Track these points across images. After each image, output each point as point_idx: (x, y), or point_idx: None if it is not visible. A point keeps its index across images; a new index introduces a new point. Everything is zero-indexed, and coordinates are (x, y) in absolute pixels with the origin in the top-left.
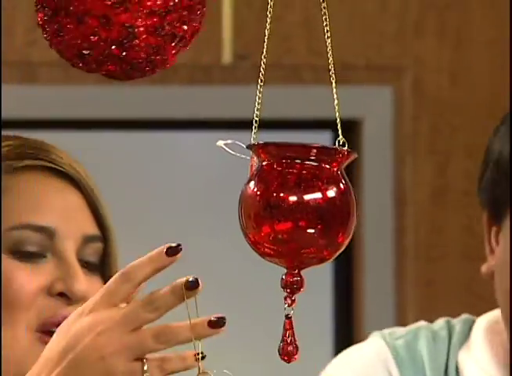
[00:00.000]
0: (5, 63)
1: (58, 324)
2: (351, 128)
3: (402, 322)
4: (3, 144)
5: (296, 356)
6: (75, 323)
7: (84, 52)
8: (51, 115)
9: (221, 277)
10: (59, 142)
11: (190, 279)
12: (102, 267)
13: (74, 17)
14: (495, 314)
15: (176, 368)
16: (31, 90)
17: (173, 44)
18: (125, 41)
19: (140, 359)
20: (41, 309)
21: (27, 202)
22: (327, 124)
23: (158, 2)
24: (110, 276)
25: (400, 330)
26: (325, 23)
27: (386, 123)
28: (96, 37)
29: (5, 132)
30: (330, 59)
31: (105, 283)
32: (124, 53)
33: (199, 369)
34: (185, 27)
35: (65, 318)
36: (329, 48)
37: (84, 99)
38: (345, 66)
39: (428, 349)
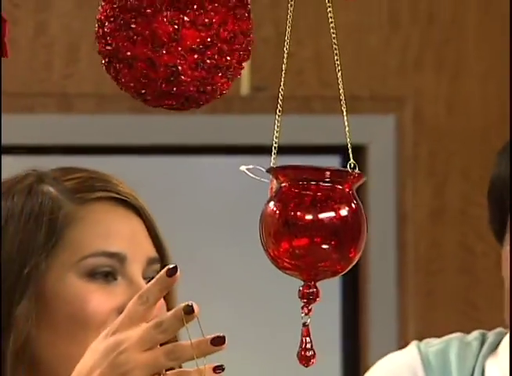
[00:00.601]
0: (44, 94)
1: None
2: (358, 153)
3: (403, 328)
4: (70, 177)
5: (313, 361)
6: (102, 343)
7: (141, 91)
8: (84, 142)
9: (244, 289)
10: (92, 166)
11: (189, 304)
12: None
13: (126, 63)
14: None
15: None
16: (67, 119)
17: (220, 74)
18: (172, 78)
19: (158, 374)
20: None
21: (98, 231)
22: (336, 150)
23: (197, 40)
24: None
25: (436, 340)
26: (336, 58)
27: (389, 148)
28: (146, 80)
29: (50, 158)
30: (341, 90)
31: (165, 300)
32: (174, 89)
33: None
34: (229, 58)
35: None
36: (340, 80)
37: (113, 127)
38: (352, 97)
39: (457, 356)
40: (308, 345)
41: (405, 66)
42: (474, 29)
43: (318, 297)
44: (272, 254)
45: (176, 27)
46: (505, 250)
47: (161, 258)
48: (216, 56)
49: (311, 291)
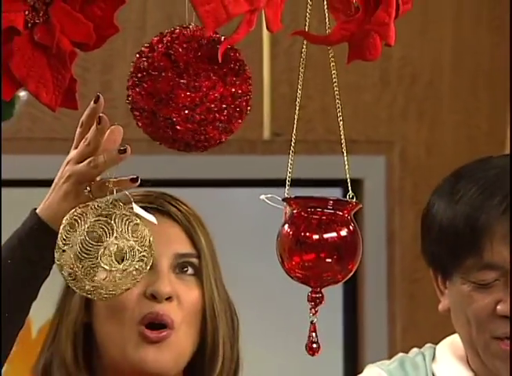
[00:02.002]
0: None
1: (151, 319)
2: (355, 186)
3: (392, 325)
4: (135, 193)
5: (319, 352)
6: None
7: (150, 135)
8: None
9: (264, 294)
10: None
11: (99, 117)
12: (199, 273)
13: (140, 112)
14: (447, 339)
15: (109, 188)
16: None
17: (210, 127)
18: (170, 127)
19: (87, 182)
20: (141, 309)
21: None
22: (337, 183)
23: (188, 99)
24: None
25: (388, 361)
26: (338, 110)
27: (380, 182)
28: (153, 127)
29: None
30: (342, 136)
31: (201, 284)
32: (173, 136)
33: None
34: (217, 115)
35: (155, 313)
36: (341, 128)
37: (161, 165)
38: (351, 141)
39: (412, 367)
40: (315, 339)
41: (393, 117)
42: (448, 88)
43: (323, 300)
44: (286, 266)
45: (172, 87)
46: (452, 282)
47: (198, 253)
48: (205, 113)
49: (317, 295)
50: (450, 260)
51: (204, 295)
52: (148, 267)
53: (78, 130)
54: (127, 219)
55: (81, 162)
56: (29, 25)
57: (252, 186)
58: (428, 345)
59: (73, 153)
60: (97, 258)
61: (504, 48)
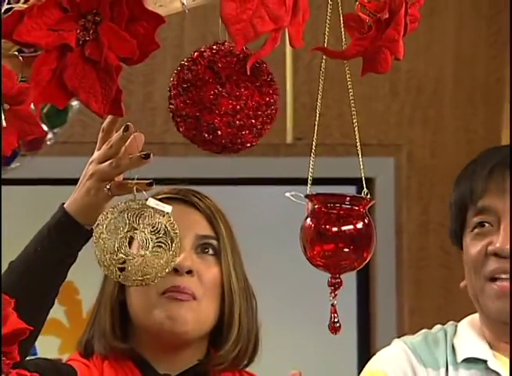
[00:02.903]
0: (149, 143)
1: (174, 291)
2: (367, 184)
3: (400, 307)
4: (163, 188)
5: (340, 331)
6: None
7: (191, 138)
8: (175, 176)
9: (290, 281)
10: None
11: (127, 125)
12: (219, 254)
13: (182, 118)
14: (469, 317)
15: (127, 188)
16: (165, 161)
17: (247, 132)
18: (211, 132)
19: (107, 181)
20: (162, 282)
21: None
22: (352, 181)
23: (230, 107)
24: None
25: (413, 336)
26: (353, 117)
27: (390, 181)
28: (195, 131)
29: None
30: (357, 139)
31: (220, 263)
32: (213, 140)
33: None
34: (253, 121)
35: (177, 286)
36: (356, 133)
37: (197, 166)
38: (364, 144)
39: (433, 341)
40: (336, 319)
41: (401, 123)
42: (449, 98)
43: (341, 285)
44: (308, 255)
45: (216, 96)
46: (465, 241)
47: (217, 236)
48: (244, 119)
49: (336, 281)
50: (460, 225)
51: (223, 273)
52: (171, 252)
53: (100, 134)
54: (139, 212)
55: (103, 162)
56: (80, 42)
57: (277, 184)
58: (451, 322)
59: (96, 154)
60: (115, 250)
61: (498, 63)
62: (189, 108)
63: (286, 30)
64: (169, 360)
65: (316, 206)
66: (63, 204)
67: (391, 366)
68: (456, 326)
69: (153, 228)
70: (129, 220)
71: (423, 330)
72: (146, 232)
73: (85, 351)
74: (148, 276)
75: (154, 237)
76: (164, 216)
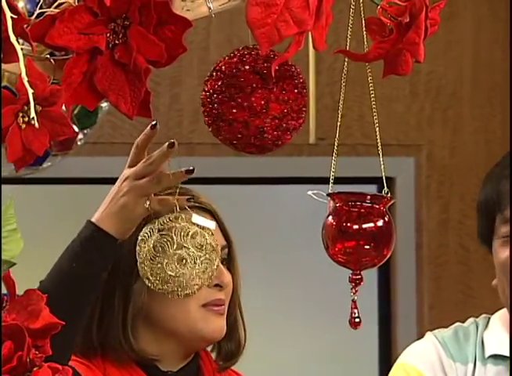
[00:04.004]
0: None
1: (216, 304)
2: (388, 183)
3: (420, 302)
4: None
5: (360, 325)
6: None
7: (234, 142)
8: (202, 175)
9: (313, 277)
10: (207, 193)
11: (171, 141)
12: (229, 262)
13: (227, 123)
14: (504, 310)
15: (169, 202)
16: (191, 160)
17: (288, 133)
18: (259, 136)
19: (147, 196)
20: (205, 295)
21: None
22: (373, 180)
23: (278, 111)
24: (234, 268)
25: (444, 329)
26: (374, 118)
27: (410, 180)
28: (241, 135)
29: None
30: (378, 140)
31: (231, 271)
32: (258, 143)
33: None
34: (295, 123)
35: (221, 299)
36: (377, 133)
37: (223, 165)
38: (385, 144)
39: (464, 335)
40: (356, 315)
41: (421, 123)
42: (468, 99)
43: (362, 281)
44: (330, 252)
45: (266, 100)
46: (494, 246)
47: (229, 244)
48: (289, 122)
49: (357, 277)
50: (488, 229)
51: (234, 281)
52: (215, 266)
53: (134, 150)
54: (186, 230)
55: (142, 178)
56: (110, 46)
57: (300, 183)
58: (484, 315)
59: (130, 170)
60: (164, 268)
61: None
62: (238, 113)
63: (310, 33)
64: (177, 359)
65: (338, 204)
66: (89, 221)
67: (420, 360)
68: (489, 319)
69: (200, 245)
70: (177, 238)
71: (456, 324)
72: (194, 250)
73: (87, 352)
74: (193, 290)
75: (202, 254)
76: (208, 232)
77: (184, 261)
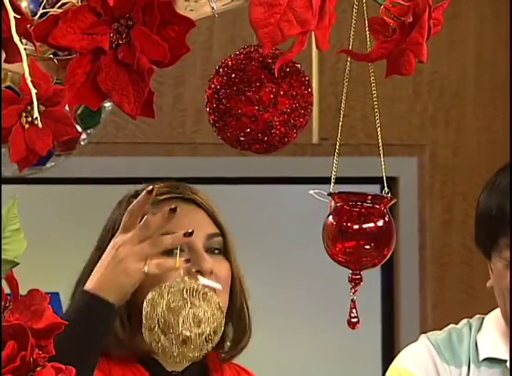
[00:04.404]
0: (179, 144)
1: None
2: (392, 183)
3: (423, 302)
4: (158, 187)
5: (358, 325)
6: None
7: (241, 138)
8: (205, 175)
9: (312, 276)
10: (209, 193)
11: (172, 207)
12: (225, 251)
13: (235, 117)
14: (497, 310)
15: (167, 265)
16: (194, 160)
17: (294, 130)
18: (267, 131)
19: (144, 261)
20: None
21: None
22: (376, 180)
23: (287, 105)
24: (230, 256)
25: (438, 332)
26: (376, 118)
27: (413, 180)
28: (249, 130)
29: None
30: (380, 140)
31: (228, 259)
32: (265, 138)
33: (178, 265)
34: (302, 120)
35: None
36: (379, 133)
37: (225, 165)
38: (387, 144)
39: (457, 338)
40: (354, 315)
41: (424, 123)
42: (471, 99)
43: (361, 281)
44: (330, 251)
45: (275, 95)
46: (493, 266)
47: (222, 232)
48: (296, 118)
49: (357, 277)
50: (489, 242)
51: (232, 269)
52: (222, 328)
53: (128, 218)
54: (197, 290)
55: (139, 243)
56: (113, 46)
57: (303, 183)
58: (477, 316)
59: (125, 236)
60: (179, 328)
61: None
62: (247, 107)
63: (313, 33)
64: None
65: (338, 204)
66: (81, 291)
67: (414, 363)
68: (483, 319)
69: (209, 303)
70: (189, 298)
71: (450, 326)
72: (206, 307)
73: None
74: (201, 353)
75: (213, 313)
76: (215, 294)
77: (199, 319)
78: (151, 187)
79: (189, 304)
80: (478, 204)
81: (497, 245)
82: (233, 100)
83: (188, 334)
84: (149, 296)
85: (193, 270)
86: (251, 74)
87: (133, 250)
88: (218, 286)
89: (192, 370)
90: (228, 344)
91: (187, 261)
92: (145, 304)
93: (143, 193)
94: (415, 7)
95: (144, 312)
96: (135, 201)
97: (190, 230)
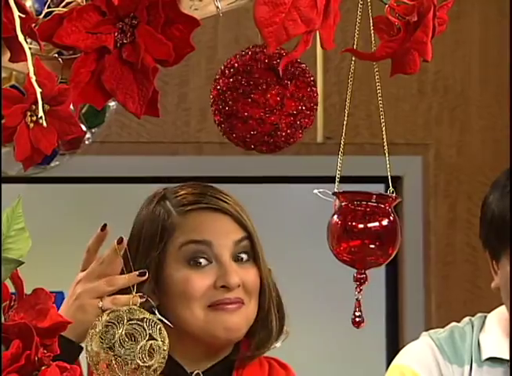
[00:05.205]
0: (184, 143)
1: (224, 303)
2: (396, 182)
3: (428, 301)
4: (180, 193)
5: (363, 325)
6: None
7: (247, 140)
8: (209, 174)
9: (317, 275)
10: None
11: (120, 238)
12: (254, 256)
13: (241, 120)
14: (499, 309)
15: (122, 301)
16: (199, 159)
17: (300, 131)
18: (273, 133)
19: (99, 298)
20: (210, 297)
21: (190, 228)
22: (381, 180)
23: (293, 108)
24: (259, 260)
25: (440, 330)
26: (381, 117)
27: (418, 179)
28: (255, 132)
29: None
30: (385, 139)
31: (257, 265)
32: (271, 140)
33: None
34: (307, 120)
35: (229, 299)
36: (384, 132)
37: (231, 164)
38: (392, 143)
39: (459, 337)
40: (359, 314)
41: (428, 122)
42: (476, 98)
43: (366, 280)
44: (335, 251)
45: (281, 97)
46: (501, 265)
47: (249, 235)
48: (302, 119)
49: (362, 276)
50: (498, 244)
51: (261, 274)
52: (163, 364)
53: (85, 255)
54: (154, 323)
55: (95, 281)
56: (118, 45)
57: (307, 182)
58: (479, 314)
59: (83, 273)
60: (134, 355)
61: None
62: (253, 110)
63: (318, 32)
64: (200, 359)
65: (343, 203)
66: None
67: (416, 361)
68: (485, 318)
69: (163, 339)
70: (147, 328)
71: (452, 324)
72: (160, 341)
73: None
74: None
75: (165, 348)
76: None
77: (152, 352)
78: (104, 224)
79: (147, 335)
80: (488, 206)
81: (507, 249)
82: (239, 103)
83: (140, 362)
84: (104, 319)
85: (219, 286)
86: (257, 77)
87: (88, 287)
88: (169, 324)
89: (217, 370)
90: (253, 344)
91: (141, 297)
92: (101, 325)
93: (98, 230)
94: (419, 6)
95: (96, 334)
96: (91, 239)
97: (144, 270)
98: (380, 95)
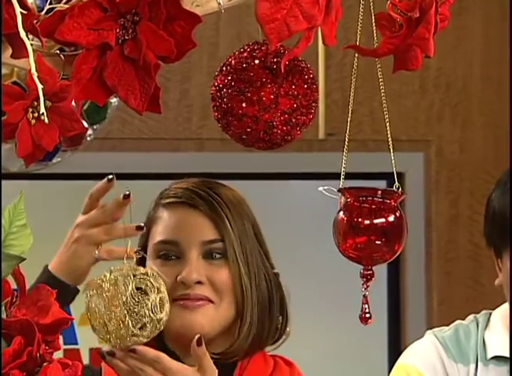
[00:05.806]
0: (185, 139)
1: (183, 299)
2: (398, 178)
3: (429, 298)
4: (176, 186)
5: (370, 321)
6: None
7: (243, 137)
8: (210, 171)
9: (323, 272)
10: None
11: (126, 192)
12: (226, 256)
13: (236, 117)
14: (504, 306)
15: (117, 253)
16: (201, 156)
17: (297, 128)
18: (268, 130)
19: (96, 245)
20: (172, 292)
21: (161, 226)
22: (382, 176)
23: (288, 105)
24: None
25: (445, 328)
26: (384, 114)
27: (419, 175)
28: (250, 130)
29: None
30: (388, 135)
31: (229, 268)
32: (267, 138)
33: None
34: (304, 118)
35: (186, 294)
36: (387, 129)
37: (232, 161)
38: (395, 140)
39: (464, 335)
40: (367, 310)
41: (430, 119)
42: (477, 95)
43: (373, 277)
44: (341, 247)
45: (276, 95)
46: (503, 263)
47: (222, 237)
48: (298, 117)
49: (368, 272)
50: (500, 241)
51: (232, 274)
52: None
53: (87, 200)
54: (158, 276)
55: (93, 227)
56: (120, 41)
57: (309, 179)
58: (484, 311)
59: (83, 217)
60: (146, 309)
61: None
62: (248, 107)
63: (319, 28)
64: (181, 358)
65: (349, 200)
66: (47, 266)
67: (421, 360)
68: (490, 315)
69: (167, 291)
70: (155, 282)
71: (456, 322)
72: (166, 294)
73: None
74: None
75: (168, 299)
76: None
77: (163, 304)
78: (111, 176)
79: (155, 288)
80: (491, 203)
81: (509, 246)
82: (234, 100)
83: (152, 315)
84: (112, 276)
85: (180, 281)
86: (252, 75)
87: (86, 233)
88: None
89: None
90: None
91: (138, 252)
92: (108, 283)
93: (104, 179)
94: (421, 2)
95: (107, 287)
96: (96, 185)
97: (142, 224)
98: (383, 91)
